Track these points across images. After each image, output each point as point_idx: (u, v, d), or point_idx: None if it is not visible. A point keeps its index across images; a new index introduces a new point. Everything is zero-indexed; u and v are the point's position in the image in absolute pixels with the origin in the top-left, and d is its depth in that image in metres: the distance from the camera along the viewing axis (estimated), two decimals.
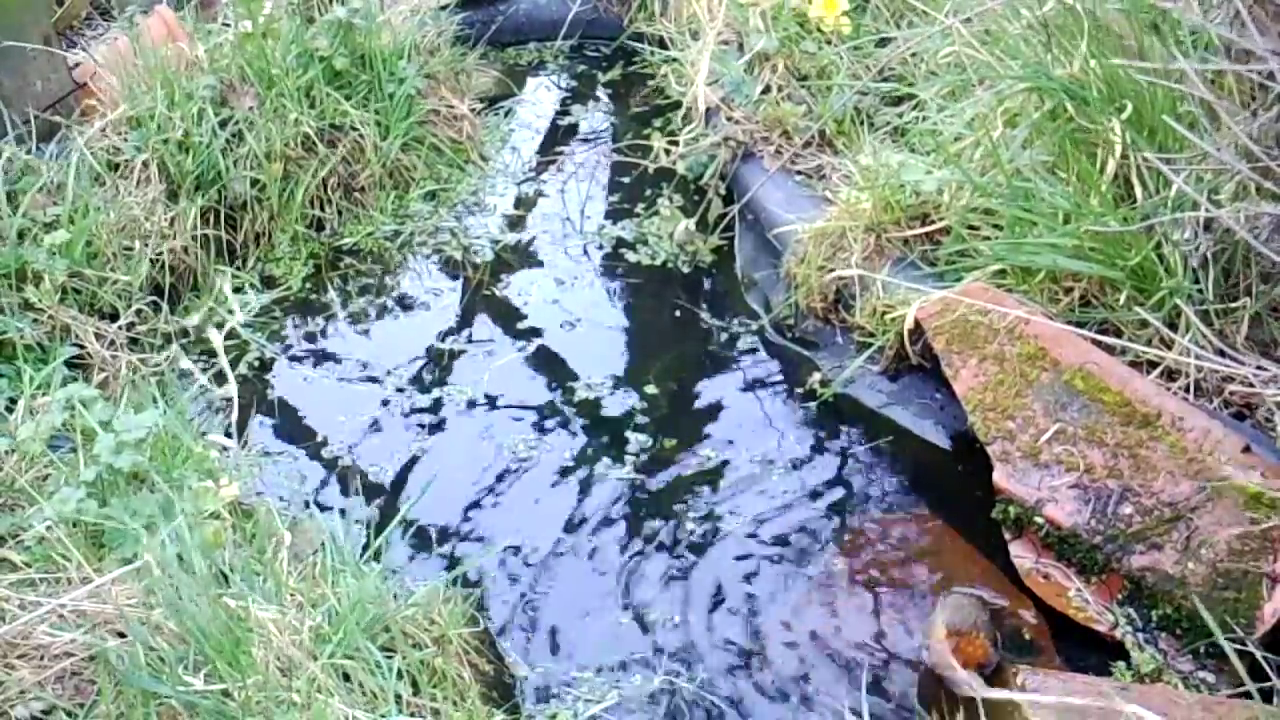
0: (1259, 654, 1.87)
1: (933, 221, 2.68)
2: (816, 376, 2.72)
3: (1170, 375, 2.28)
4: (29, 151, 2.89)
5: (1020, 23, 2.61)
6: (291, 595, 1.93)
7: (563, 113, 3.86)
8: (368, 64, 3.34)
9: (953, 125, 2.76)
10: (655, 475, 2.53)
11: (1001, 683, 1.97)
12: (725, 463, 2.55)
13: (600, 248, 3.23)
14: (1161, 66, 2.17)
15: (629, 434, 2.62)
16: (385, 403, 2.75)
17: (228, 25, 3.32)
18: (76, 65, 3.18)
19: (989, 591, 2.19)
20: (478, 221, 3.35)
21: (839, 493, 2.48)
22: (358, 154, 3.32)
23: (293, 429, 2.71)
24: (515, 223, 3.36)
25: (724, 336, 2.91)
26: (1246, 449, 2.06)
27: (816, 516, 2.42)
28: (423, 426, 2.68)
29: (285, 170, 3.18)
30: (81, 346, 2.67)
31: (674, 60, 3.60)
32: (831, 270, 2.73)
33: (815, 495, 2.47)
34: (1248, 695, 1.78)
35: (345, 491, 2.51)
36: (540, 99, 3.96)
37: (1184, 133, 2.03)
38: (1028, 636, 2.12)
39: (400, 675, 1.88)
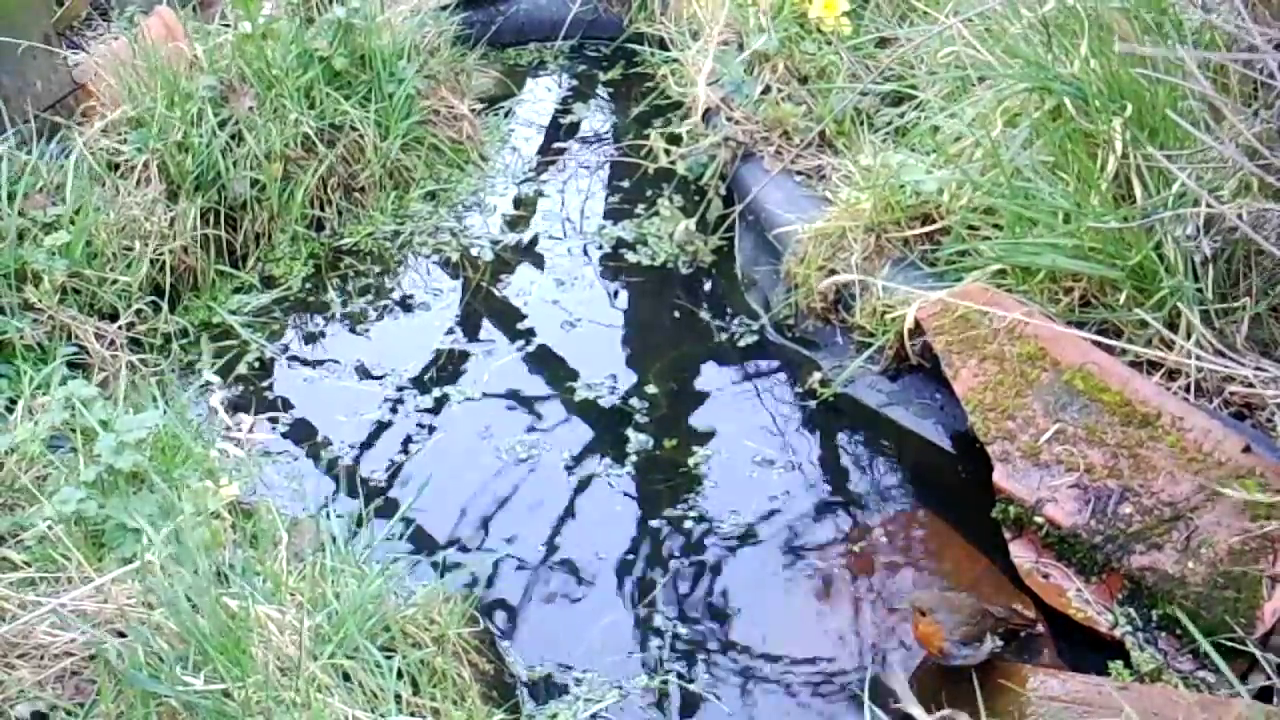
0: (1259, 654, 1.87)
1: (933, 221, 2.68)
2: (816, 376, 2.72)
3: (1171, 375, 2.27)
4: (29, 152, 2.89)
5: (1021, 22, 2.61)
6: (291, 595, 1.93)
7: (563, 113, 3.86)
8: (367, 64, 3.34)
9: (953, 125, 2.76)
10: (655, 475, 2.53)
11: (1005, 678, 1.97)
12: (725, 463, 2.55)
13: (600, 248, 3.23)
14: (1165, 54, 2.17)
15: (629, 434, 2.62)
16: (385, 403, 2.75)
17: (227, 26, 3.32)
18: (76, 65, 3.17)
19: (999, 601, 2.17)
20: (478, 221, 3.35)
21: (839, 493, 2.48)
22: (357, 154, 3.32)
23: (293, 429, 2.70)
24: (515, 223, 3.35)
25: (724, 336, 2.91)
26: (1246, 449, 2.06)
27: (816, 516, 2.42)
28: (422, 426, 2.68)
29: (285, 170, 3.18)
30: (81, 346, 2.67)
31: (674, 60, 3.59)
32: (831, 271, 2.73)
33: (815, 495, 2.47)
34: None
35: (345, 491, 2.51)
36: (540, 99, 3.96)
37: (1187, 127, 2.02)
38: (1027, 636, 2.11)
39: (400, 675, 1.88)
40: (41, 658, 1.81)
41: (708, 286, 3.07)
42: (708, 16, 3.48)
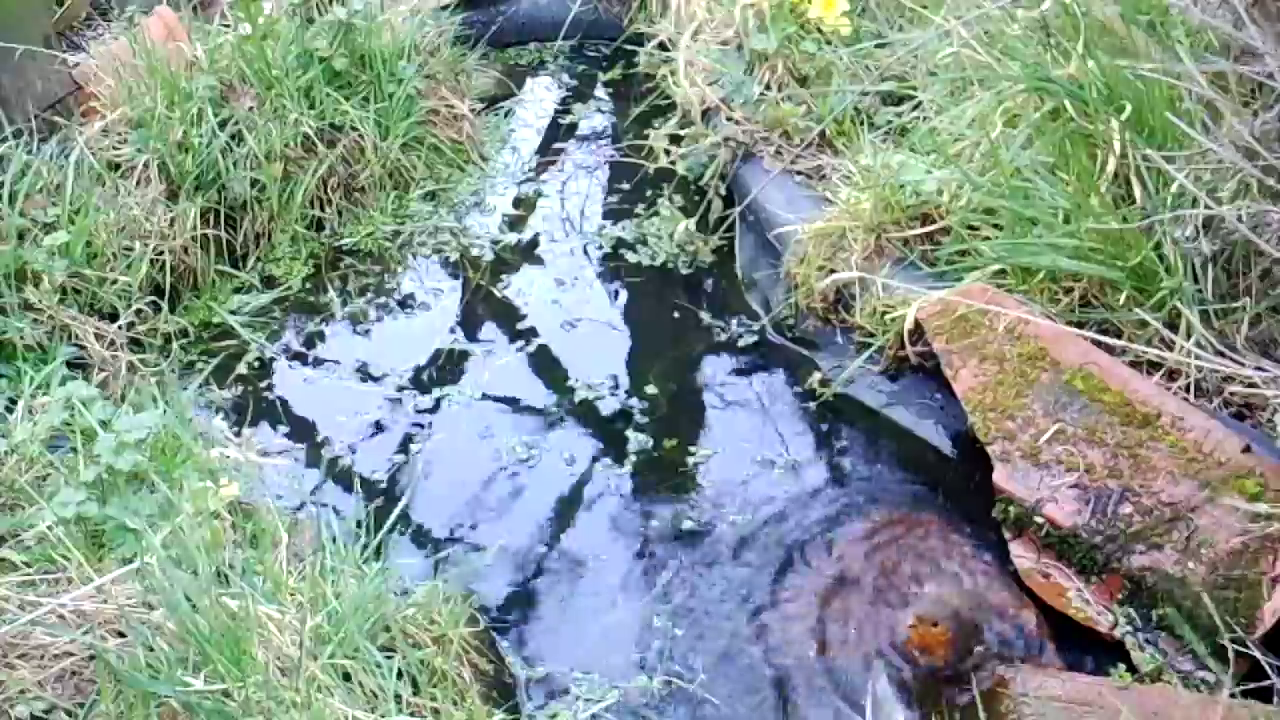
0: (1259, 654, 1.87)
1: (933, 221, 2.68)
2: (816, 376, 2.72)
3: (1171, 375, 2.27)
4: (29, 151, 2.89)
5: (1019, 23, 2.61)
6: (291, 595, 1.93)
7: (563, 113, 3.86)
8: (368, 64, 3.34)
9: (953, 126, 2.76)
10: (655, 475, 2.53)
11: (1004, 679, 1.97)
12: (725, 463, 2.55)
13: (600, 248, 3.23)
14: (1161, 66, 2.17)
15: (629, 434, 2.62)
16: (385, 403, 2.75)
17: (227, 26, 3.32)
18: (76, 65, 3.17)
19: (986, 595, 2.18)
20: (478, 221, 3.35)
21: (839, 493, 2.48)
22: (357, 154, 3.32)
23: (293, 429, 2.70)
24: (515, 223, 3.35)
25: (724, 337, 2.91)
26: (1246, 449, 2.06)
27: (816, 517, 2.42)
28: (422, 426, 2.68)
29: (285, 170, 3.18)
30: (81, 346, 2.67)
31: (673, 60, 3.59)
32: (831, 271, 2.73)
33: (815, 495, 2.47)
34: (1248, 694, 1.78)
35: (345, 491, 2.51)
36: (540, 99, 3.96)
37: (1185, 128, 2.03)
38: (1028, 637, 2.11)
39: (400, 675, 1.88)
40: (41, 658, 1.81)
41: (708, 287, 3.07)
42: (706, 17, 3.48)
